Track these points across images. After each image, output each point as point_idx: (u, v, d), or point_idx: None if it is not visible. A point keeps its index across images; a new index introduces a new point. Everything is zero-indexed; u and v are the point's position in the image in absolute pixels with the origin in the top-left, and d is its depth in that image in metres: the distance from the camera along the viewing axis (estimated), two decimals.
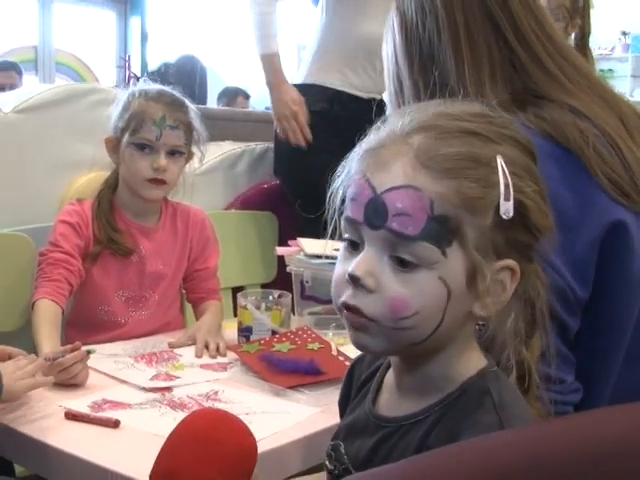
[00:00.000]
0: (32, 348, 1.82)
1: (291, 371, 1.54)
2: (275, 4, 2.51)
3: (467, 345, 0.88)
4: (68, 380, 1.48)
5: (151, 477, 0.88)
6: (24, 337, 1.86)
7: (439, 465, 0.57)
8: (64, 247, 1.80)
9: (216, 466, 0.84)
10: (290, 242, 2.15)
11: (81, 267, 1.81)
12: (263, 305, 1.78)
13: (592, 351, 1.12)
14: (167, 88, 1.94)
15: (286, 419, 1.38)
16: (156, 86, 1.93)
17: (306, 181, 2.36)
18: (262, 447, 1.28)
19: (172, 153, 1.86)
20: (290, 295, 1.83)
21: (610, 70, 8.04)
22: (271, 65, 2.48)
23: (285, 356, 1.61)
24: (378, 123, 0.89)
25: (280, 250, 2.16)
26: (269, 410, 1.41)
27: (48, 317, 1.69)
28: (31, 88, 2.35)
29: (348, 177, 0.87)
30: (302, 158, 2.46)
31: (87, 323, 1.86)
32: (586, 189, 1.07)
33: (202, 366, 1.68)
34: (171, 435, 0.90)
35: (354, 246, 0.85)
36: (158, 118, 1.83)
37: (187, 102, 1.93)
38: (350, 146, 0.90)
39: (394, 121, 0.86)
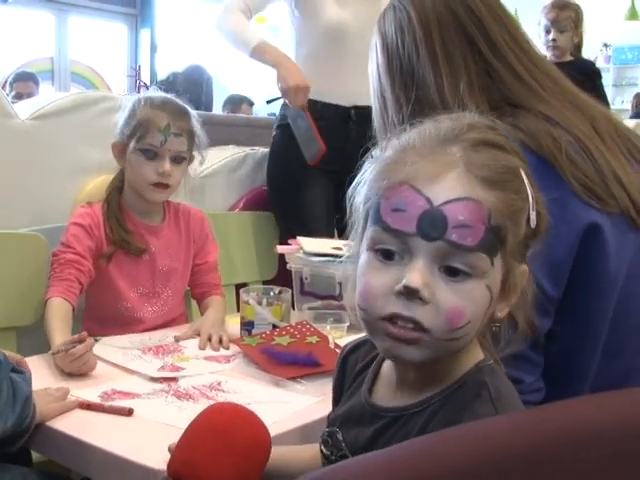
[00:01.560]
0: (46, 341, 1.83)
1: (290, 363, 1.53)
2: (247, 23, 2.44)
3: (473, 342, 0.87)
4: (79, 368, 1.48)
5: (169, 466, 0.87)
6: (38, 331, 1.87)
7: (424, 451, 0.57)
8: (76, 248, 1.80)
9: (232, 459, 0.84)
10: (290, 241, 2.14)
11: (91, 267, 1.81)
12: (264, 300, 1.77)
13: (569, 348, 1.12)
14: (171, 96, 1.94)
15: (285, 408, 1.37)
16: (161, 94, 1.93)
17: (299, 214, 2.39)
18: None
19: (175, 159, 1.87)
20: (290, 291, 1.82)
21: None
22: (264, 50, 2.40)
23: (285, 349, 1.60)
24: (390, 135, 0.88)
25: (281, 249, 2.16)
26: (269, 400, 1.40)
27: (59, 314, 1.70)
28: (46, 96, 2.34)
29: (378, 187, 0.83)
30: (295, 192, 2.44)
31: (108, 319, 1.86)
32: (560, 195, 1.06)
33: (206, 358, 1.67)
34: (190, 427, 0.89)
35: (388, 256, 0.81)
36: (163, 126, 1.84)
37: (190, 110, 1.94)
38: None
39: (422, 131, 0.84)
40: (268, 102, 2.56)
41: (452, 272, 0.78)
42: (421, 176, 0.80)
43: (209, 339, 1.73)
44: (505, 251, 0.81)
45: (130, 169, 1.88)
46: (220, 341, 1.73)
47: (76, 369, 1.48)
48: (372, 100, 1.27)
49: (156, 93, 1.95)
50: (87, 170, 2.14)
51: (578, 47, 3.64)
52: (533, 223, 0.83)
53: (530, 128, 1.11)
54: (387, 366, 0.93)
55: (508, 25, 1.21)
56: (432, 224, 0.78)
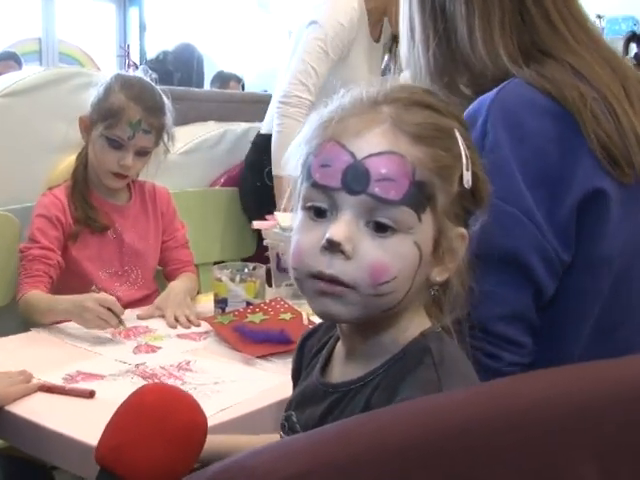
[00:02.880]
0: (18, 323, 1.79)
1: (262, 341, 1.49)
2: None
3: (418, 311, 0.85)
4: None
5: (97, 451, 0.82)
6: (13, 312, 1.83)
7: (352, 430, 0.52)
8: (42, 242, 1.77)
9: (162, 444, 0.79)
10: (267, 216, 2.08)
11: (60, 259, 1.78)
12: (238, 277, 1.72)
13: (561, 317, 1.06)
14: (148, 83, 1.87)
15: (254, 387, 1.33)
16: (139, 79, 1.87)
17: None
18: (229, 414, 1.25)
19: (139, 152, 1.83)
20: (264, 267, 1.77)
21: None
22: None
23: (257, 326, 1.56)
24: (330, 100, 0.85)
25: (257, 224, 2.10)
26: (238, 379, 1.36)
27: (44, 297, 1.70)
28: (16, 73, 2.28)
29: (310, 146, 0.82)
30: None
31: None
32: (577, 151, 1.02)
33: (179, 336, 1.63)
34: (118, 409, 0.84)
35: (320, 214, 0.80)
36: (134, 121, 1.80)
37: (165, 103, 1.87)
38: None
39: (354, 94, 0.83)
40: None
41: (378, 227, 0.77)
42: (348, 132, 0.79)
43: (176, 319, 1.68)
44: (435, 209, 0.79)
45: (92, 150, 1.85)
46: (189, 320, 1.68)
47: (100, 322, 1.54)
48: (400, 27, 1.23)
49: (135, 76, 1.89)
50: (60, 148, 2.09)
51: None
52: (468, 184, 0.81)
53: (556, 78, 1.06)
54: (339, 344, 0.90)
55: None
56: (355, 178, 0.77)
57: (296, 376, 0.99)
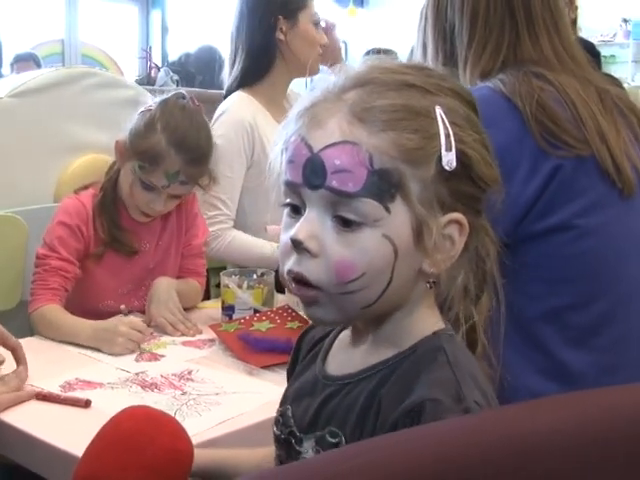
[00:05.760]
0: (25, 327, 1.75)
1: (267, 350, 1.44)
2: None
3: (422, 304, 0.80)
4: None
5: None
6: (19, 316, 1.79)
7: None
8: (61, 253, 1.66)
9: (141, 473, 0.74)
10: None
11: (77, 271, 1.68)
12: (245, 284, 1.67)
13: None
14: (195, 122, 1.67)
15: (256, 399, 1.28)
16: (185, 117, 1.66)
17: None
18: (228, 428, 1.20)
19: (173, 196, 1.69)
20: (272, 273, 1.70)
21: (612, 56, 7.84)
22: None
23: (263, 335, 1.51)
24: (312, 84, 0.81)
25: (271, 229, 2.06)
26: (240, 390, 1.31)
27: (62, 313, 1.62)
28: (28, 73, 2.25)
29: (285, 142, 0.78)
30: None
31: (87, 315, 1.65)
32: (524, 139, 1.12)
33: (184, 343, 1.58)
34: (96, 436, 0.79)
35: (296, 210, 0.77)
36: (172, 172, 1.62)
37: (211, 147, 1.69)
38: None
39: (328, 80, 0.78)
40: None
41: (343, 222, 0.73)
42: (311, 124, 0.75)
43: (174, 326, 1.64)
44: (408, 197, 0.73)
45: (124, 177, 1.69)
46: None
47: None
48: (415, 50, 1.34)
49: (182, 108, 1.68)
50: (71, 149, 2.04)
51: (574, 23, 3.50)
52: (449, 165, 0.73)
53: (511, 79, 1.16)
54: (344, 334, 0.86)
55: (551, 3, 1.24)
56: (313, 171, 0.74)
57: (290, 370, 0.95)
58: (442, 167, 0.74)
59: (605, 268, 1.15)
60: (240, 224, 2.13)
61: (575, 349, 1.14)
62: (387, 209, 0.73)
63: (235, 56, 2.20)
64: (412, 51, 1.39)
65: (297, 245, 0.74)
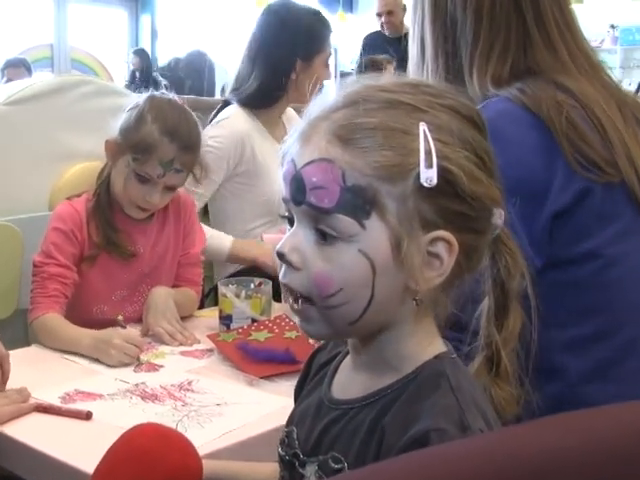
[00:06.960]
0: (21, 336, 1.75)
1: (266, 360, 1.44)
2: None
3: (420, 325, 0.79)
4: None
5: None
6: (14, 324, 1.79)
7: None
8: (58, 259, 1.65)
9: None
10: (281, 228, 2.04)
11: (76, 276, 1.68)
12: (243, 293, 1.67)
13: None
14: (184, 112, 1.71)
15: (257, 410, 1.28)
16: (174, 108, 1.70)
17: None
18: (231, 439, 1.20)
19: (168, 188, 1.70)
20: (270, 283, 1.71)
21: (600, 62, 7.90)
22: (238, 252, 2.12)
23: (261, 345, 1.51)
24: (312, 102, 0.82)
25: (267, 237, 2.06)
26: (241, 401, 1.31)
27: (63, 322, 1.61)
28: (23, 81, 2.25)
29: (283, 159, 0.81)
30: None
31: (79, 321, 1.65)
32: (555, 161, 1.06)
33: (183, 353, 1.58)
34: (108, 452, 0.79)
35: (291, 224, 0.80)
36: (166, 160, 1.64)
37: (201, 136, 1.73)
38: None
39: (326, 99, 0.79)
40: None
41: (323, 236, 0.75)
42: (298, 143, 0.78)
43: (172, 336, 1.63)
44: (384, 214, 0.74)
45: (117, 176, 1.70)
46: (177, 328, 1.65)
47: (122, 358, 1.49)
48: (410, 45, 1.26)
49: (170, 101, 1.71)
50: (66, 157, 2.04)
51: None
52: (429, 181, 0.72)
53: (534, 91, 1.10)
54: (348, 358, 0.86)
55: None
56: (296, 188, 0.76)
57: (298, 390, 0.94)
58: (421, 184, 0.73)
59: (628, 298, 1.12)
60: (224, 230, 2.17)
61: (594, 379, 1.09)
62: (362, 225, 0.74)
63: (243, 78, 2.24)
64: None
65: (281, 257, 0.77)
